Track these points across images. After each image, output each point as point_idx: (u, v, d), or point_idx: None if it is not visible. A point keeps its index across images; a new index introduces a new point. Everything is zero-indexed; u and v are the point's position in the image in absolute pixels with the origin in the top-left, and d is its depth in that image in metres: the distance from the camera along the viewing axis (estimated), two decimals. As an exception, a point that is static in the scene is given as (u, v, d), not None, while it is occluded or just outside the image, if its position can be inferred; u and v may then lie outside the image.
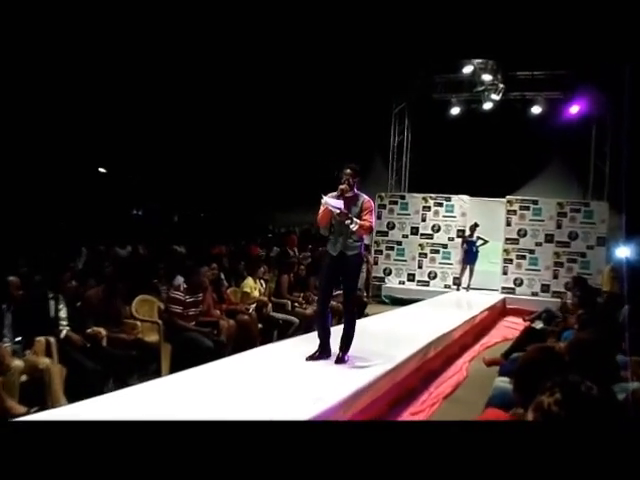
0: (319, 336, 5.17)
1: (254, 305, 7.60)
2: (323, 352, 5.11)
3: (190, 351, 5.72)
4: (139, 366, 5.47)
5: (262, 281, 8.18)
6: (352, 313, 5.21)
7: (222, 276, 7.96)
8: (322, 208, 4.93)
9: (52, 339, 4.76)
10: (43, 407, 4.23)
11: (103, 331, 5.23)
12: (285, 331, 7.64)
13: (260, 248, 12.37)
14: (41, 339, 4.70)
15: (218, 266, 7.91)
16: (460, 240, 13.18)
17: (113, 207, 17.37)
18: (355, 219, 4.85)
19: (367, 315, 9.27)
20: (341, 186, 4.93)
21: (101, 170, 19.55)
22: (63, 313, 5.08)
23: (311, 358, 5.09)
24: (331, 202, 4.84)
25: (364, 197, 5.08)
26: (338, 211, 4.85)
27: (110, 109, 15.27)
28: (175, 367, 5.47)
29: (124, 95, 15.06)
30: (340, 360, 5.01)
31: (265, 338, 7.21)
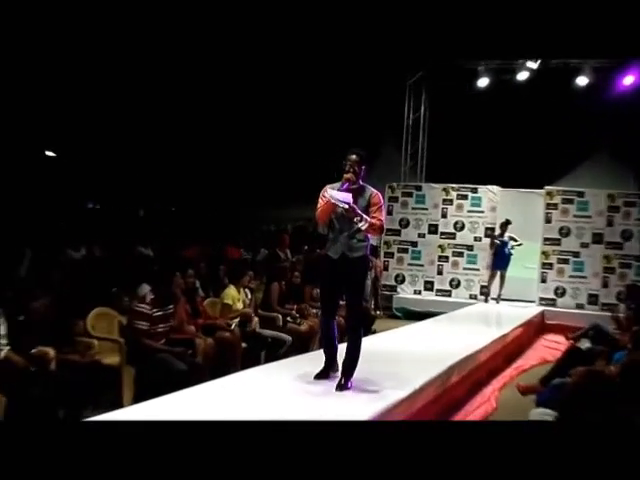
0: (325, 353, 5.38)
1: (237, 320, 7.58)
2: (331, 367, 5.33)
3: (158, 376, 5.68)
4: (95, 394, 5.45)
5: (247, 290, 8.11)
6: (357, 330, 5.27)
7: (198, 284, 7.98)
8: (321, 201, 5.04)
9: (-12, 361, 4.75)
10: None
11: (51, 351, 5.18)
12: (275, 351, 7.61)
13: (245, 250, 12.39)
14: (-26, 361, 4.68)
15: (194, 272, 7.92)
16: (489, 240, 13.08)
17: (63, 199, 17.26)
18: (365, 216, 4.93)
19: (375, 332, 9.30)
20: (346, 175, 5.03)
21: (49, 154, 19.46)
22: (2, 329, 5.01)
23: (319, 376, 5.28)
24: (337, 195, 4.90)
25: (371, 190, 5.18)
26: (346, 206, 4.89)
27: (62, 79, 15.20)
28: (140, 395, 5.43)
29: (81, 64, 15.01)
30: (342, 387, 5.05)
31: (250, 359, 7.19)
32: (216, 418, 4.16)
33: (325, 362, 5.33)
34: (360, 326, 5.38)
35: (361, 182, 5.13)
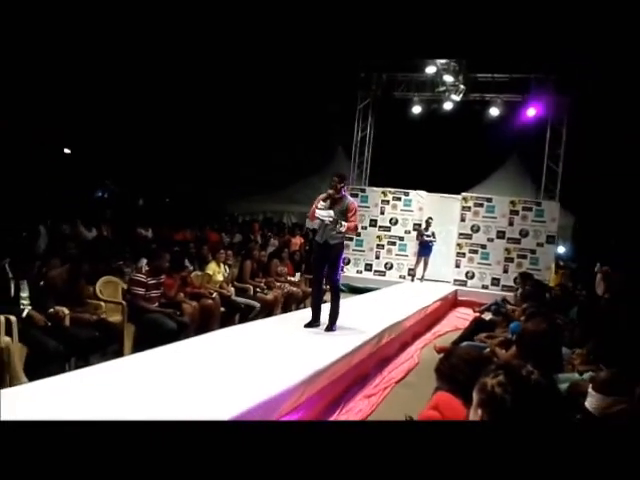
0: (312, 308, 6.18)
1: (217, 289, 7.50)
2: (315, 321, 6.07)
3: (153, 332, 5.62)
4: (102, 346, 5.35)
5: (226, 266, 8.07)
6: (337, 292, 6.08)
7: (187, 262, 7.88)
8: (314, 207, 5.85)
9: (12, 318, 4.55)
10: (2, 385, 4.12)
11: (65, 310, 5.06)
12: (246, 315, 7.57)
13: (224, 234, 12.20)
14: (0, 318, 4.50)
15: (182, 251, 7.87)
16: (416, 233, 13.26)
17: (76, 187, 16.79)
18: (343, 222, 5.71)
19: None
20: (330, 190, 5.83)
21: (66, 151, 18.97)
22: (25, 292, 4.88)
23: (308, 326, 6.02)
24: (322, 213, 5.74)
25: (349, 199, 5.95)
26: (330, 219, 5.71)
27: (77, 90, 14.78)
28: (137, 347, 5.39)
29: (91, 76, 14.60)
30: (330, 329, 5.92)
31: (227, 321, 7.16)
32: (200, 366, 4.11)
33: (313, 316, 6.06)
34: (338, 289, 6.17)
35: (343, 192, 5.88)
